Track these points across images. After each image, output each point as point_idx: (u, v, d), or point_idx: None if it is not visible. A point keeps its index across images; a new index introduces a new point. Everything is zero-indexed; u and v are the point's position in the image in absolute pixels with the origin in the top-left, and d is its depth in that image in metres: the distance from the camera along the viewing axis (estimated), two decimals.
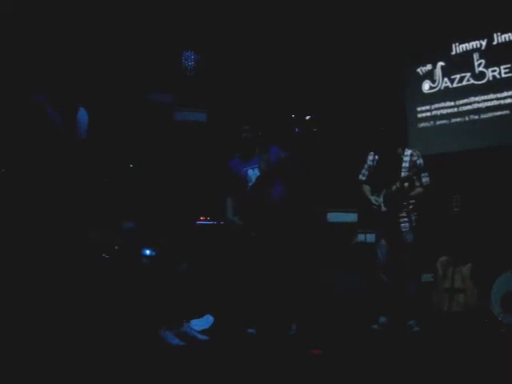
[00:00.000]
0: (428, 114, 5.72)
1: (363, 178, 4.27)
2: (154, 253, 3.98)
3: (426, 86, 5.74)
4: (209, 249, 4.65)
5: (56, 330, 3.10)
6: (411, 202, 4.09)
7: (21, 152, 3.37)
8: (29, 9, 4.40)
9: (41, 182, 3.33)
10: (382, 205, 4.08)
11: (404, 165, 4.09)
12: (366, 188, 4.24)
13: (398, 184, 4.01)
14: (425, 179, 4.08)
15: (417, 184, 4.06)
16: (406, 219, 4.08)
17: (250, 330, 3.88)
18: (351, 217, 4.77)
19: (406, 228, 4.07)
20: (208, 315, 4.08)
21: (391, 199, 4.06)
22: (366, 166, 4.28)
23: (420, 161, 4.09)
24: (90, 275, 3.54)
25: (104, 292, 3.55)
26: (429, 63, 5.73)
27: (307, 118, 3.92)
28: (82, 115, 3.41)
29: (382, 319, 4.10)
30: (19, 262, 3.28)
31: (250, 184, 3.99)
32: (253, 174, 4.00)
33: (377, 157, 4.22)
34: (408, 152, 4.14)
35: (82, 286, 3.42)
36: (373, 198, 4.14)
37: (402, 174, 4.05)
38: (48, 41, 4.20)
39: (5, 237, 3.32)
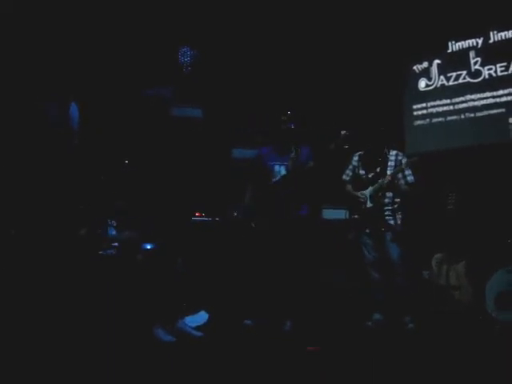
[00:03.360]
0: (424, 111, 5.73)
1: (347, 178, 4.35)
2: (154, 246, 3.98)
3: (422, 84, 5.75)
4: (203, 245, 4.63)
5: (49, 325, 3.09)
6: (396, 200, 4.13)
7: (19, 148, 3.37)
8: (25, 4, 4.37)
9: (39, 178, 3.33)
10: (368, 200, 4.12)
11: (390, 163, 4.17)
12: (349, 187, 4.32)
13: (384, 180, 4.06)
14: (409, 177, 4.14)
15: (402, 183, 4.12)
16: (391, 217, 4.10)
17: (246, 322, 3.88)
18: (340, 214, 4.80)
19: (389, 236, 4.09)
20: (202, 311, 4.07)
21: (377, 195, 4.09)
22: (350, 167, 4.36)
23: (405, 159, 4.17)
24: (84, 272, 3.53)
25: (98, 289, 3.54)
26: (425, 61, 5.74)
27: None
28: (74, 110, 3.44)
29: (376, 316, 4.11)
30: (15, 258, 3.27)
31: (274, 180, 3.96)
32: (279, 170, 3.97)
33: (362, 157, 4.29)
34: (393, 152, 4.24)
35: (76, 282, 3.41)
36: (359, 193, 4.19)
37: (388, 172, 4.12)
38: (45, 37, 4.18)
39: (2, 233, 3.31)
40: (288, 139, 3.99)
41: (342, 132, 3.84)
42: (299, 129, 4.00)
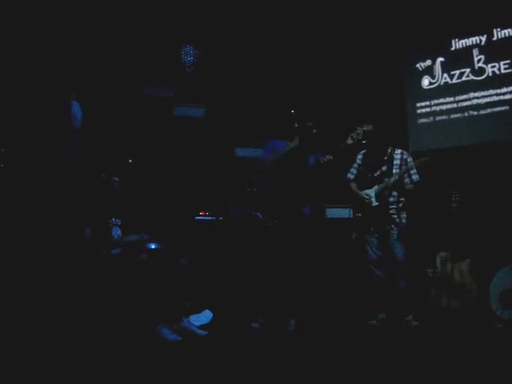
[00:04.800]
0: (427, 109, 5.71)
1: (351, 177, 4.34)
2: (158, 246, 3.98)
3: (425, 82, 5.73)
4: (207, 243, 4.64)
5: (53, 325, 3.10)
6: (401, 199, 4.13)
7: (20, 147, 3.38)
8: (25, 4, 4.37)
9: (36, 176, 3.34)
10: (374, 199, 4.11)
11: (395, 162, 4.16)
12: (354, 186, 4.30)
13: (391, 179, 4.05)
14: (414, 176, 4.14)
15: (407, 181, 4.12)
16: (395, 216, 4.10)
17: (254, 325, 3.88)
18: (344, 212, 4.79)
19: (395, 234, 4.08)
20: (207, 310, 4.08)
21: (382, 194, 4.09)
22: (355, 165, 4.36)
23: (410, 158, 4.18)
24: (88, 271, 3.54)
25: (102, 288, 3.55)
26: (428, 59, 5.71)
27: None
28: (77, 109, 3.45)
29: (380, 315, 4.11)
30: (17, 259, 3.28)
31: None
32: None
33: (367, 156, 4.28)
34: (398, 151, 4.23)
35: (79, 282, 3.42)
36: (364, 193, 4.17)
37: (394, 171, 4.12)
38: (49, 36, 4.18)
39: (3, 231, 3.31)
40: (311, 141, 3.98)
41: (359, 128, 3.82)
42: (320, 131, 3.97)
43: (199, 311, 4.06)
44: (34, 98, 3.47)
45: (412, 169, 4.10)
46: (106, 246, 3.79)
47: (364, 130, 3.83)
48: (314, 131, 3.96)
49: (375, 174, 4.18)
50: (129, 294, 3.58)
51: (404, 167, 4.11)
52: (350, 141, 3.84)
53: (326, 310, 4.36)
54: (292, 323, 3.89)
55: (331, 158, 3.84)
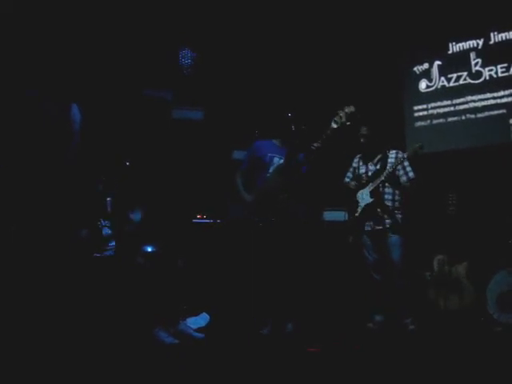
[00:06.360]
0: (425, 112, 5.73)
1: (348, 180, 4.38)
2: (155, 249, 3.98)
3: (422, 85, 5.75)
4: (204, 246, 4.64)
5: (51, 326, 3.09)
6: (396, 198, 4.12)
7: (16, 147, 3.37)
8: (26, 4, 4.38)
9: (36, 177, 3.33)
10: (369, 196, 4.12)
11: (390, 161, 4.18)
12: (353, 184, 4.30)
13: (385, 172, 4.05)
14: (411, 174, 4.13)
15: (403, 179, 4.11)
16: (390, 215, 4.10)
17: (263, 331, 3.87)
18: (340, 215, 4.80)
19: (389, 224, 4.08)
20: (204, 313, 4.08)
21: (377, 190, 4.08)
22: (351, 169, 4.39)
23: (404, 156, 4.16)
24: (82, 274, 3.54)
25: (99, 291, 3.54)
26: (426, 62, 5.73)
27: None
28: (75, 111, 3.45)
29: (378, 317, 4.11)
30: (13, 259, 3.27)
31: (269, 172, 3.90)
32: (278, 162, 3.90)
33: (362, 158, 4.31)
34: (393, 151, 4.25)
35: (74, 285, 3.42)
36: (358, 194, 4.19)
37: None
38: (45, 38, 4.18)
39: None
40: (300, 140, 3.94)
41: (340, 111, 3.76)
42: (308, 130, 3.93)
43: (196, 314, 4.06)
44: (34, 97, 3.46)
45: (406, 166, 4.09)
46: (100, 245, 3.80)
47: (346, 112, 3.76)
48: (303, 128, 3.89)
49: (370, 174, 4.20)
50: (125, 296, 3.57)
51: (399, 158, 4.08)
52: (334, 125, 3.77)
53: (324, 312, 4.35)
54: (289, 327, 3.87)
55: (319, 145, 3.77)
